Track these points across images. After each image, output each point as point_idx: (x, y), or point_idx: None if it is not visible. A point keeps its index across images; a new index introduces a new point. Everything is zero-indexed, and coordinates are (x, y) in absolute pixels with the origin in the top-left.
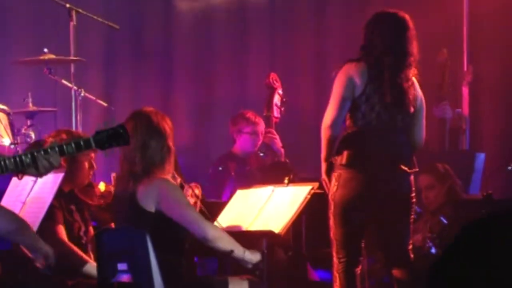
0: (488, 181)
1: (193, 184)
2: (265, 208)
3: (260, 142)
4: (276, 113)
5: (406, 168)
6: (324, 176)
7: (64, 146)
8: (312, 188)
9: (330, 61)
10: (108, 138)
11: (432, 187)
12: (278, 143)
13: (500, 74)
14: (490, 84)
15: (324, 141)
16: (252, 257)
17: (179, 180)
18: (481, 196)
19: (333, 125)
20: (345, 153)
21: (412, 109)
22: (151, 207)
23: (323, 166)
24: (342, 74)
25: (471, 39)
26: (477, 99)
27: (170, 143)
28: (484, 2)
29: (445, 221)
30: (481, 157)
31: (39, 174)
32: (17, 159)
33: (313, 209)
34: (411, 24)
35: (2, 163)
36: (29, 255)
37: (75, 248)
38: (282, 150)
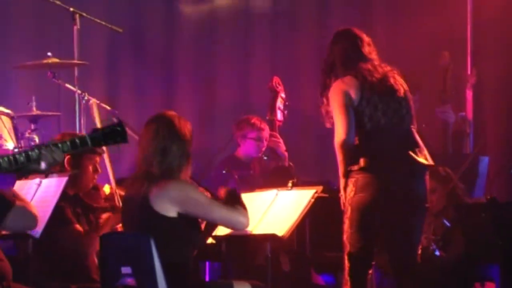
0: (492, 184)
1: (201, 189)
2: (269, 211)
3: (264, 148)
4: (279, 116)
5: (422, 160)
6: (342, 191)
7: (60, 145)
8: (316, 192)
9: None
10: (104, 136)
11: (434, 190)
12: (282, 146)
13: (504, 77)
14: (494, 87)
15: (341, 156)
16: None
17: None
18: (485, 200)
19: (347, 137)
20: (361, 158)
21: (408, 93)
22: (169, 212)
23: (342, 181)
24: (334, 92)
25: (475, 42)
26: (481, 103)
27: (189, 150)
28: (487, 5)
29: (448, 224)
30: (485, 160)
31: (42, 170)
32: (11, 157)
33: (317, 212)
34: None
35: None
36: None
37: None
38: (286, 154)
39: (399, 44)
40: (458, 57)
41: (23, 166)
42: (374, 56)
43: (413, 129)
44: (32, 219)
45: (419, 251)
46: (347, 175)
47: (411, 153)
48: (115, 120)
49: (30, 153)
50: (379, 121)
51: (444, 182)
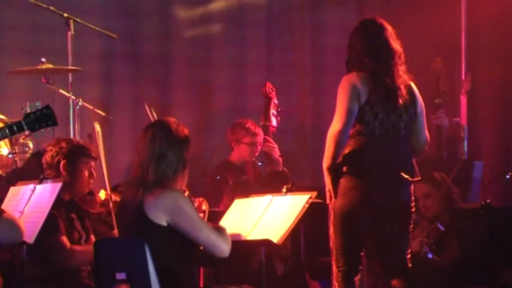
0: (486, 189)
1: (200, 199)
2: (263, 217)
3: (258, 153)
4: (273, 122)
5: (407, 177)
6: (329, 186)
7: None
8: (310, 197)
9: (327, 71)
10: (37, 120)
11: (429, 195)
12: (277, 152)
13: (498, 83)
14: (489, 92)
15: (330, 150)
16: None
17: (187, 193)
18: (479, 205)
19: (341, 134)
20: (347, 162)
21: (411, 110)
22: (161, 220)
23: (328, 177)
24: (345, 82)
25: (469, 47)
26: (475, 108)
27: (186, 157)
28: (482, 10)
29: (442, 228)
30: (479, 165)
31: None
32: None
33: (312, 218)
34: (386, 24)
35: None
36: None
37: (81, 248)
38: (281, 159)
39: None
40: (453, 63)
41: None
42: (398, 59)
43: (407, 141)
44: (18, 231)
45: (408, 255)
46: (332, 170)
47: (395, 166)
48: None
49: None
50: (375, 130)
51: (439, 187)
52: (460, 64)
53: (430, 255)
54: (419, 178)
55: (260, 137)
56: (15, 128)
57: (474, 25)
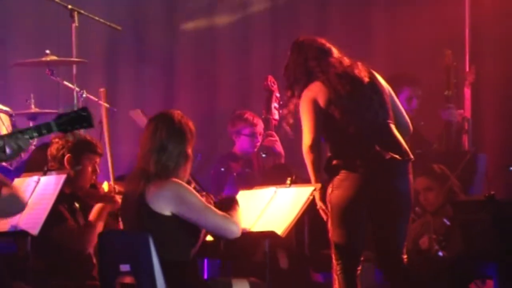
0: (490, 182)
1: (203, 193)
2: (268, 209)
3: (259, 143)
4: (275, 115)
5: (396, 156)
6: (320, 204)
7: (25, 132)
8: (315, 189)
9: None
10: (70, 122)
11: (430, 188)
12: (279, 145)
13: (502, 75)
14: (493, 85)
15: (310, 166)
16: None
17: (193, 185)
18: (483, 197)
19: (314, 145)
20: (335, 160)
21: (381, 87)
22: (164, 210)
23: (317, 194)
24: (304, 99)
25: (473, 40)
26: (479, 100)
27: (189, 150)
28: (486, 3)
29: (448, 223)
30: (483, 158)
31: (8, 158)
32: None
33: (316, 210)
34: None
35: None
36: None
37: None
38: (283, 152)
39: (397, 42)
40: (457, 56)
41: None
42: (337, 56)
43: (389, 123)
44: (19, 202)
45: (404, 247)
46: (317, 183)
47: (378, 149)
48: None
49: None
50: (349, 122)
51: (440, 180)
52: (464, 56)
53: (440, 253)
54: (411, 157)
55: (260, 127)
56: (43, 130)
57: (478, 17)
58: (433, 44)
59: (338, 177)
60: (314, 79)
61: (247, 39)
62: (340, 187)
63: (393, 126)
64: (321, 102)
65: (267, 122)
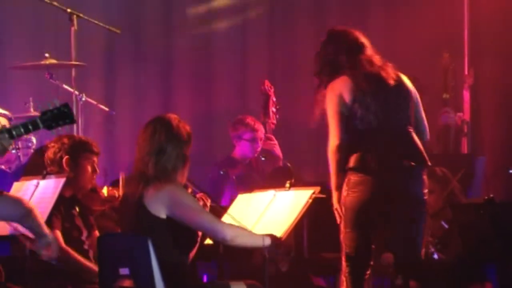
0: (489, 184)
1: (202, 195)
2: (267, 212)
3: (259, 148)
4: (273, 119)
5: (413, 163)
6: (336, 205)
7: (13, 129)
8: (314, 192)
9: None
10: (54, 118)
11: (431, 191)
12: (278, 149)
13: (501, 78)
14: (491, 87)
15: (333, 166)
16: (268, 241)
17: (190, 189)
18: (482, 200)
19: (341, 146)
20: (352, 159)
21: (404, 92)
22: (160, 213)
23: (335, 195)
24: (329, 93)
25: (472, 42)
26: (478, 103)
27: (187, 153)
28: (484, 6)
29: (446, 226)
30: (481, 160)
31: None
32: None
33: (315, 213)
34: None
35: None
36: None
37: (73, 253)
38: (281, 156)
39: (396, 44)
40: (455, 58)
41: None
42: (370, 53)
43: (409, 128)
44: (22, 207)
45: (423, 249)
46: (339, 187)
47: (397, 154)
48: (57, 102)
49: None
50: (370, 122)
51: (442, 183)
52: (463, 59)
53: (436, 255)
54: (429, 163)
55: (261, 132)
56: (30, 126)
57: (477, 20)
58: (431, 46)
59: (353, 179)
60: (341, 73)
61: (245, 42)
62: (355, 190)
63: (412, 131)
64: (347, 98)
65: (266, 126)
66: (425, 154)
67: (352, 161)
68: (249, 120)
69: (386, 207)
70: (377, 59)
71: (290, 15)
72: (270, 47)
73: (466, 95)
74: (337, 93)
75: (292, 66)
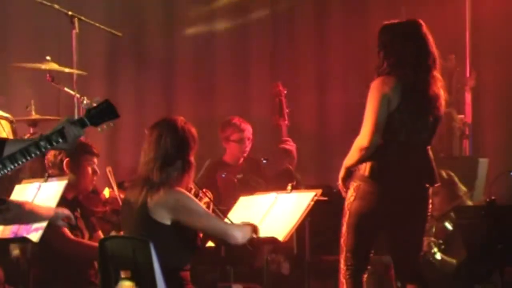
0: (491, 187)
1: (205, 190)
2: (268, 214)
3: (247, 148)
4: (287, 120)
5: (428, 185)
6: (340, 181)
7: (61, 129)
8: (316, 195)
9: (332, 70)
10: (99, 115)
11: (436, 193)
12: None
13: (503, 80)
14: (493, 89)
15: (353, 159)
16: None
17: (193, 190)
18: (484, 202)
19: (368, 151)
20: (368, 165)
21: (437, 119)
22: (164, 219)
23: (343, 172)
24: (376, 91)
25: (473, 45)
26: (479, 105)
27: (192, 158)
28: (486, 8)
29: (450, 227)
30: (484, 163)
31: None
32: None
33: (317, 216)
34: (423, 28)
35: (26, 151)
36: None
37: (85, 241)
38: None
39: None
40: (458, 61)
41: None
42: (435, 65)
43: (428, 148)
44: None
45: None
46: (349, 173)
47: (414, 174)
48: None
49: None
50: (398, 136)
51: (447, 185)
52: (465, 61)
53: (439, 256)
54: (439, 183)
55: (248, 132)
56: (77, 124)
57: (478, 22)
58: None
59: (364, 187)
60: (392, 74)
61: (247, 45)
62: (364, 198)
63: (430, 151)
64: (393, 101)
65: (282, 127)
66: (436, 175)
67: (368, 169)
68: (236, 120)
69: (391, 220)
70: (431, 70)
71: (291, 17)
72: (271, 50)
73: (468, 97)
74: (384, 93)
75: (294, 69)
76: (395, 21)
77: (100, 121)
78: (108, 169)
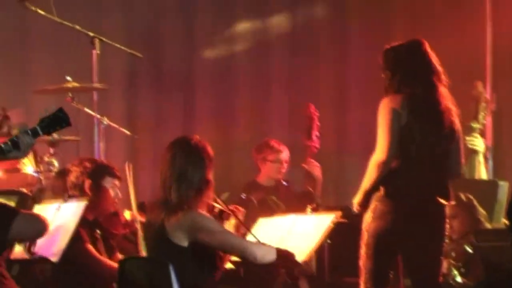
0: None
1: (234, 206)
2: (287, 236)
3: (284, 170)
4: (316, 143)
5: (443, 201)
6: (356, 206)
7: (14, 138)
8: (335, 217)
9: (351, 91)
10: (51, 123)
11: (455, 216)
12: (319, 171)
13: None
14: None
15: (371, 178)
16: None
17: (217, 209)
18: (504, 226)
19: (385, 165)
20: (383, 185)
21: (450, 136)
22: (181, 241)
23: (360, 196)
24: (386, 106)
25: (494, 68)
26: (500, 128)
27: (210, 175)
28: (507, 31)
29: (470, 251)
30: (504, 186)
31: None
32: None
33: (336, 238)
34: (426, 45)
35: None
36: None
37: (107, 260)
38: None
39: None
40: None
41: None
42: (441, 81)
43: (444, 164)
44: (40, 222)
45: (441, 278)
46: (368, 193)
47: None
48: (54, 108)
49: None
50: (410, 152)
51: (466, 209)
52: (485, 84)
53: (459, 279)
54: (453, 202)
55: (285, 154)
56: (30, 133)
57: (499, 45)
58: (454, 71)
59: (380, 206)
60: (399, 92)
61: (266, 65)
62: (381, 219)
63: (444, 169)
64: (402, 117)
65: (308, 149)
66: (451, 193)
67: (384, 189)
68: (273, 142)
69: (408, 239)
70: (443, 94)
71: (311, 38)
72: (292, 70)
73: (488, 120)
74: (393, 108)
75: (314, 88)
76: (397, 43)
77: (52, 129)
78: (127, 164)
